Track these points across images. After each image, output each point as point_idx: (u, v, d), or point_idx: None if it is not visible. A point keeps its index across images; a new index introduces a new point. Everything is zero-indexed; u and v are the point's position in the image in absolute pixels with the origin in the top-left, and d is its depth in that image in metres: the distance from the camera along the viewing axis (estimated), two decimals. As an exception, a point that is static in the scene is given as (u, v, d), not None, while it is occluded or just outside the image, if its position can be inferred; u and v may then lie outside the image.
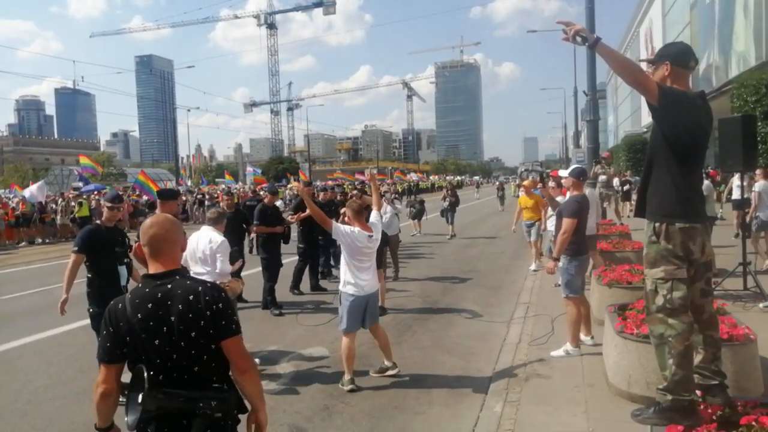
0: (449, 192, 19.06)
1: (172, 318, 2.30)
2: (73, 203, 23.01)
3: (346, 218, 5.74)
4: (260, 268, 9.17)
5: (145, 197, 27.10)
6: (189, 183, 32.17)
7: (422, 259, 14.29)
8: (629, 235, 11.10)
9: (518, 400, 5.06)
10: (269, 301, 8.86)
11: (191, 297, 2.32)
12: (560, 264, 6.09)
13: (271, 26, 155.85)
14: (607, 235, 10.65)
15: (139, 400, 2.19)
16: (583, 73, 17.72)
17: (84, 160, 30.36)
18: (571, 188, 6.46)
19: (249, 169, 52.24)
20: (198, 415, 2.25)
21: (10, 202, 23.48)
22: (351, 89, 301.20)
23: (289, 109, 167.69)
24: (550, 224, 9.04)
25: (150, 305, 2.32)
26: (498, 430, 4.49)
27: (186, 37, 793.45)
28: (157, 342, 2.29)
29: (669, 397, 3.22)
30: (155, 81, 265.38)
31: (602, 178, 14.71)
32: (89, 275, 5.26)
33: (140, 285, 2.42)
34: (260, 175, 41.37)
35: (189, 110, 79.13)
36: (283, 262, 9.23)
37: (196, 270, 5.58)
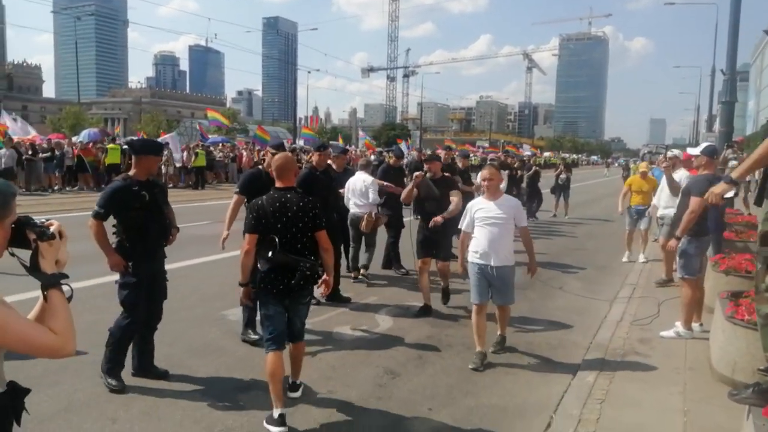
0: (565, 168, 18.31)
1: (289, 213, 4.00)
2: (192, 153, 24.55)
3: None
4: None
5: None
6: (301, 142, 33.53)
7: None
8: (755, 226, 10.33)
9: (613, 373, 5.03)
10: (393, 257, 8.98)
11: (301, 203, 4.07)
12: (680, 244, 5.89)
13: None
14: (731, 224, 10.00)
15: (270, 255, 3.91)
16: (724, 51, 16.40)
17: (211, 114, 32.36)
18: (702, 167, 6.21)
19: (360, 133, 53.39)
20: (299, 269, 3.95)
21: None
22: (469, 58, 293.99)
23: (405, 75, 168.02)
24: (662, 206, 8.60)
25: (278, 203, 4.01)
26: (589, 398, 4.51)
27: (311, 1, 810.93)
28: (279, 225, 3.97)
29: None
30: (280, 42, 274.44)
31: (732, 163, 13.66)
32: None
33: (272, 192, 4.10)
34: (371, 141, 42.13)
35: (309, 72, 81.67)
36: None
37: (356, 201, 7.85)
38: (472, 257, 5.32)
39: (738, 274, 6.46)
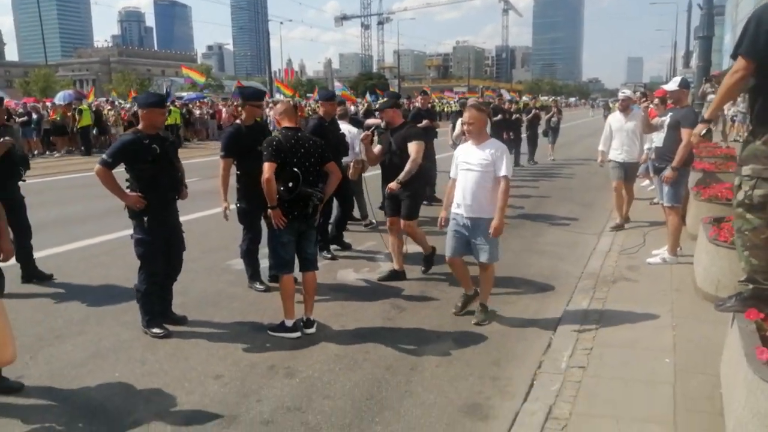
0: (557, 110, 18.34)
1: (302, 150, 4.55)
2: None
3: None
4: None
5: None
6: (279, 96, 33.15)
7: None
8: (734, 158, 10.68)
9: (605, 298, 5.38)
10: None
11: (311, 140, 4.69)
12: (666, 173, 6.18)
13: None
14: (710, 157, 10.33)
15: (290, 186, 4.44)
16: (701, -16, 16.40)
17: (186, 71, 31.81)
18: (678, 102, 6.49)
19: (337, 84, 52.55)
20: (312, 198, 4.53)
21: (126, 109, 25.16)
22: (444, 2, 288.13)
23: (380, 23, 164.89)
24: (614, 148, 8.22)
25: (293, 140, 4.55)
26: (584, 321, 4.85)
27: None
28: (295, 159, 4.50)
29: (750, 286, 3.44)
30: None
31: (711, 97, 13.95)
32: (238, 172, 5.55)
33: (284, 131, 4.60)
34: (348, 92, 41.56)
35: (282, 23, 79.66)
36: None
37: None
38: (453, 207, 4.92)
39: (719, 202, 6.79)
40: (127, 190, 4.64)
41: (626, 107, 8.21)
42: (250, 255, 5.84)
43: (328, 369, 4.17)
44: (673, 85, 6.65)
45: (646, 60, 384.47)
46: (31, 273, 6.13)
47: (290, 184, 4.46)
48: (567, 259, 6.93)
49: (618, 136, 8.12)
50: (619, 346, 4.31)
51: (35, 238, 6.24)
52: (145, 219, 4.65)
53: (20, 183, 6.08)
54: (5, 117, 6.59)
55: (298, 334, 4.67)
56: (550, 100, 33.24)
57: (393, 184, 5.74)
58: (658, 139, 6.54)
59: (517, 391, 3.81)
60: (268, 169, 4.43)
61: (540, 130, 17.37)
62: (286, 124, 4.68)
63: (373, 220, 8.32)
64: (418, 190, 6.10)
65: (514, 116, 15.32)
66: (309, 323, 4.78)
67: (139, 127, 4.73)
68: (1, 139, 5.65)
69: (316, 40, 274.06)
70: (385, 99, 6.37)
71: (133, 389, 3.92)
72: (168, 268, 4.91)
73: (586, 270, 6.37)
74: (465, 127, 4.83)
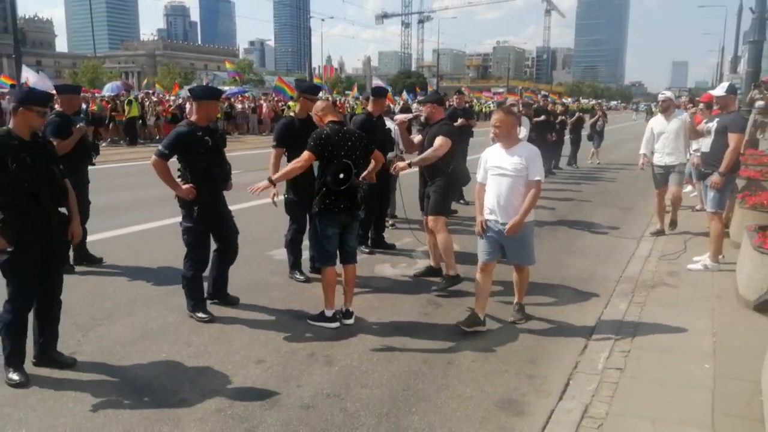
0: (602, 114, 18.01)
1: (349, 143, 4.68)
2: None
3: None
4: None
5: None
6: (321, 94, 33.48)
7: (549, 177, 14.30)
8: (783, 166, 10.42)
9: (643, 302, 5.35)
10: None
11: (356, 134, 4.82)
12: (713, 178, 6.12)
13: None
14: (756, 165, 10.09)
15: (342, 177, 4.54)
16: (753, -12, 15.99)
17: (229, 66, 32.34)
18: (725, 108, 6.41)
19: (378, 81, 52.69)
20: (359, 189, 4.72)
21: (170, 101, 25.79)
22: (485, 2, 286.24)
23: (420, 21, 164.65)
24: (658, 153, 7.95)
25: (340, 134, 4.67)
26: (622, 324, 4.84)
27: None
28: (343, 153, 4.61)
29: None
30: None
31: (759, 104, 13.53)
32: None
33: (330, 125, 4.71)
34: (388, 90, 41.60)
35: (323, 19, 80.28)
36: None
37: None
38: (485, 213, 4.80)
39: (764, 210, 6.67)
40: (179, 180, 4.82)
41: (667, 108, 7.95)
42: (293, 245, 5.99)
43: (366, 359, 4.26)
44: (720, 91, 6.57)
45: (691, 64, 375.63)
46: (83, 255, 6.40)
47: (341, 176, 4.54)
48: (606, 263, 6.89)
49: (660, 139, 7.90)
50: (657, 350, 4.30)
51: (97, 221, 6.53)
52: (195, 208, 4.82)
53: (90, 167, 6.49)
54: (80, 106, 6.99)
55: (337, 324, 4.79)
56: (592, 103, 32.69)
57: (402, 164, 5.77)
58: (704, 144, 6.47)
59: (553, 389, 3.85)
60: (306, 158, 4.63)
61: (584, 133, 17.17)
62: (330, 118, 4.79)
63: (393, 221, 8.40)
64: (446, 189, 5.90)
65: (559, 118, 15.21)
66: (348, 314, 4.89)
67: (193, 118, 4.91)
68: (78, 125, 6.00)
69: (356, 38, 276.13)
70: (429, 94, 6.57)
71: (179, 369, 4.08)
72: (226, 251, 5.13)
73: (625, 274, 6.32)
74: (492, 130, 4.68)
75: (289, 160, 5.66)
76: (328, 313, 4.82)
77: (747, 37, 19.46)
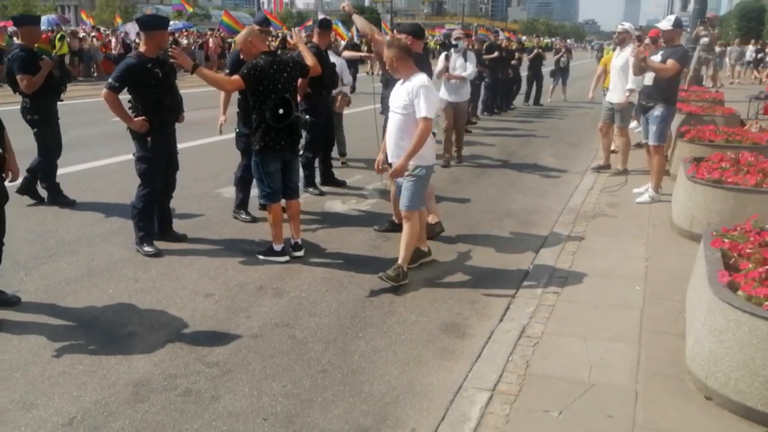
0: (566, 51, 17.90)
1: (285, 74, 4.54)
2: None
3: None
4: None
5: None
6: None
7: (501, 115, 14.42)
8: (722, 102, 10.76)
9: (583, 231, 5.56)
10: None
11: (291, 63, 4.66)
12: (656, 113, 6.26)
13: None
14: (698, 101, 10.39)
15: (282, 113, 4.43)
16: None
17: (174, -2, 30.69)
18: (670, 41, 6.47)
19: (320, 15, 50.87)
20: (299, 122, 4.67)
21: (111, 36, 24.47)
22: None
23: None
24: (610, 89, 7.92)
25: (275, 65, 4.48)
26: (562, 251, 5.04)
27: None
28: (280, 86, 4.48)
29: None
30: None
31: (704, 40, 13.91)
32: (239, 97, 5.40)
33: (263, 56, 4.50)
34: (340, 27, 40.23)
35: (272, -52, 76.29)
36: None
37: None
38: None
39: (702, 143, 6.91)
40: (131, 113, 4.73)
41: (622, 41, 7.68)
42: (243, 183, 5.87)
43: (314, 290, 4.34)
44: (666, 24, 6.54)
45: (644, 2, 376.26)
46: (54, 190, 6.26)
47: (281, 111, 4.46)
48: (550, 196, 7.08)
49: (612, 74, 7.79)
50: (593, 275, 4.51)
51: (26, 162, 6.28)
52: (149, 139, 4.77)
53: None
54: (42, 39, 6.68)
55: (286, 257, 4.83)
56: (556, 41, 32.56)
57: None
58: (647, 78, 6.53)
59: (494, 313, 4.02)
60: (235, 81, 4.51)
61: (545, 70, 17.07)
62: (262, 49, 4.65)
63: (344, 159, 8.31)
64: None
65: (516, 55, 15.14)
66: (297, 247, 4.93)
67: (142, 49, 4.76)
68: (44, 59, 5.78)
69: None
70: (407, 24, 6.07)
71: (127, 305, 4.07)
72: (165, 186, 5.07)
73: (568, 206, 6.53)
74: (387, 66, 4.32)
75: (241, 94, 5.39)
76: (277, 247, 4.85)
77: (696, -26, 19.64)
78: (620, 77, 7.57)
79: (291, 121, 4.54)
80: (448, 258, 5.04)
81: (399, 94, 4.27)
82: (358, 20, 5.44)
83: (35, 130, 5.99)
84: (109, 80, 4.65)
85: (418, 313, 4.00)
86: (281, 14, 63.66)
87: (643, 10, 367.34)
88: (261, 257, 4.88)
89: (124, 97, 4.71)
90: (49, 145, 6.08)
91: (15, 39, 19.79)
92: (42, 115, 5.93)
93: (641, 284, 4.29)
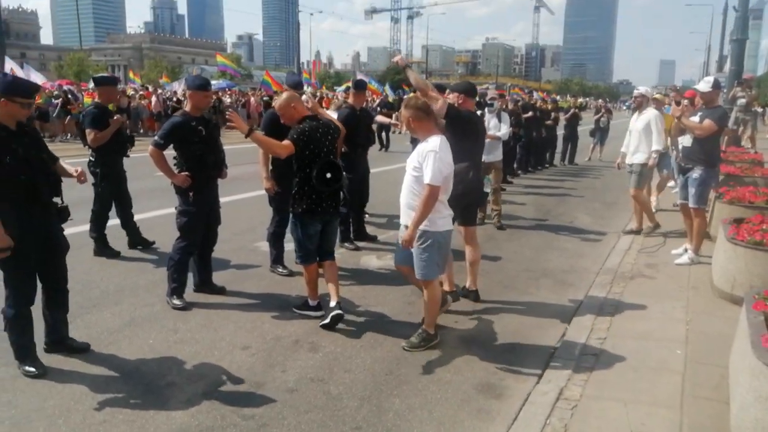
0: (606, 110, 17.98)
1: (329, 137, 4.60)
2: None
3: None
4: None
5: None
6: (308, 90, 33.18)
7: (536, 173, 14.48)
8: (761, 163, 10.63)
9: (621, 292, 5.49)
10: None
11: (332, 126, 4.70)
12: (695, 175, 6.23)
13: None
14: (738, 162, 10.29)
15: (329, 177, 4.46)
16: (737, -13, 16.22)
17: (220, 59, 32.15)
18: (710, 102, 6.42)
19: (360, 76, 52.44)
20: (340, 186, 4.68)
21: (158, 95, 25.62)
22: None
23: (410, 17, 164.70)
24: (630, 152, 7.75)
25: (321, 129, 4.54)
26: (599, 313, 4.97)
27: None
28: (325, 149, 4.54)
29: None
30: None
31: (741, 101, 13.84)
32: (272, 158, 5.62)
33: (309, 121, 4.52)
34: (374, 85, 41.37)
35: (312, 14, 79.94)
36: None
37: None
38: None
39: (741, 204, 6.83)
40: (175, 169, 4.95)
41: (639, 105, 7.78)
42: (276, 239, 6.01)
43: (350, 345, 4.36)
44: (705, 86, 6.44)
45: (678, 63, 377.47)
46: (136, 240, 6.73)
47: (328, 175, 4.46)
48: (586, 256, 7.03)
49: (631, 137, 7.74)
50: (632, 337, 4.43)
51: (75, 213, 6.55)
52: (191, 194, 4.96)
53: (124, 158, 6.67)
54: (118, 98, 7.18)
55: (321, 312, 4.83)
56: (590, 100, 32.77)
57: None
58: (686, 139, 6.51)
59: (531, 374, 3.97)
60: (287, 146, 4.42)
61: (581, 129, 17.12)
62: (304, 113, 4.61)
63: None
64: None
65: (552, 115, 15.31)
66: (338, 306, 4.68)
67: (186, 109, 5.04)
68: (115, 117, 6.23)
69: (345, 33, 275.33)
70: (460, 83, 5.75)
71: (166, 355, 4.16)
72: (206, 240, 5.22)
73: (605, 266, 6.46)
74: (405, 126, 4.32)
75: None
76: (313, 303, 4.89)
77: (732, 36, 19.74)
78: (640, 139, 7.57)
79: (338, 182, 4.58)
80: (483, 316, 5.02)
81: (413, 154, 4.17)
82: (412, 75, 5.23)
83: (94, 182, 6.37)
84: (155, 137, 4.92)
85: (453, 371, 3.98)
86: (320, 74, 65.88)
87: (678, 71, 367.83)
88: (297, 311, 4.94)
89: (170, 153, 4.93)
90: (105, 199, 6.43)
91: (53, 99, 20.98)
92: (104, 169, 6.30)
93: (682, 348, 4.20)
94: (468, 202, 5.08)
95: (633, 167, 7.66)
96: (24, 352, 3.86)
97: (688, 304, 5.10)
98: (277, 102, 4.73)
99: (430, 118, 4.19)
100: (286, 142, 4.47)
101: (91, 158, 6.37)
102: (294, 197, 4.61)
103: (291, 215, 4.74)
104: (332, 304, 4.68)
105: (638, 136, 7.59)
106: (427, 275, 4.24)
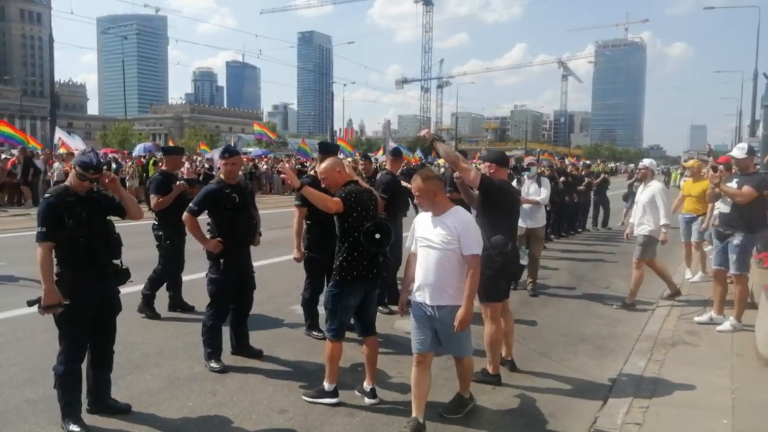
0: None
1: (372, 202, 4.47)
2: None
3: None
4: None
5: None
6: (348, 159, 34.23)
7: (569, 237, 14.41)
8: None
9: (662, 359, 5.37)
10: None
11: (371, 191, 4.59)
12: (736, 241, 6.17)
13: (428, 2, 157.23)
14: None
15: (377, 237, 4.21)
16: (766, 54, 16.39)
17: (257, 128, 33.42)
18: (745, 169, 6.41)
19: (392, 144, 53.60)
20: (382, 254, 4.44)
21: (191, 162, 26.58)
22: (503, 67, 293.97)
23: (439, 86, 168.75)
24: (636, 223, 7.71)
25: (365, 194, 4.44)
26: (641, 380, 4.87)
27: (345, 14, 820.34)
28: (371, 214, 4.38)
29: None
30: (315, 56, 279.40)
31: (777, 166, 13.69)
32: (308, 223, 5.78)
33: (353, 186, 4.41)
34: (405, 152, 42.15)
35: (345, 85, 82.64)
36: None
37: None
38: (414, 290, 4.12)
39: (782, 270, 6.71)
40: (208, 234, 5.10)
41: (644, 177, 7.79)
42: (310, 305, 6.08)
43: (387, 410, 4.35)
44: (740, 153, 6.42)
45: (710, 128, 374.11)
46: (177, 303, 6.94)
47: (377, 236, 4.21)
48: (625, 322, 6.92)
49: (636, 208, 7.77)
50: (677, 406, 4.33)
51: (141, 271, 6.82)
52: (221, 261, 5.08)
53: None
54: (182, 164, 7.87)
55: (337, 399, 4.43)
56: (628, 166, 32.77)
57: None
58: (723, 206, 6.49)
59: (572, 443, 3.89)
60: (336, 203, 4.26)
61: (610, 195, 17.07)
62: (348, 178, 4.49)
63: None
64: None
65: (586, 180, 15.38)
66: (373, 393, 4.50)
67: (222, 176, 5.25)
68: (178, 183, 6.68)
69: (376, 102, 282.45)
70: (490, 152, 5.69)
71: (206, 417, 4.20)
72: (241, 304, 5.30)
73: (644, 333, 6.35)
74: (416, 200, 4.11)
75: (309, 219, 5.78)
76: (329, 387, 4.43)
77: (764, 102, 19.77)
78: (644, 212, 7.51)
79: (389, 245, 4.33)
80: (522, 383, 4.95)
81: (432, 228, 3.97)
82: (441, 147, 5.05)
83: (158, 244, 6.70)
84: (190, 204, 5.12)
85: (492, 439, 3.93)
86: (352, 141, 67.48)
87: (709, 135, 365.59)
88: (308, 400, 4.47)
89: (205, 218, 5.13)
90: (168, 260, 6.71)
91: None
92: (166, 231, 6.55)
93: (728, 417, 4.08)
94: (508, 275, 4.98)
95: (638, 238, 7.63)
96: (69, 410, 3.94)
97: (733, 372, 4.97)
98: (322, 165, 4.58)
99: (443, 191, 4.06)
100: (335, 198, 4.29)
101: (155, 222, 6.71)
102: (342, 265, 4.32)
103: (332, 285, 4.44)
104: (368, 387, 4.50)
105: (642, 209, 7.55)
106: (467, 350, 4.17)
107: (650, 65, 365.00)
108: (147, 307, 6.66)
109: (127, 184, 19.74)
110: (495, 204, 4.76)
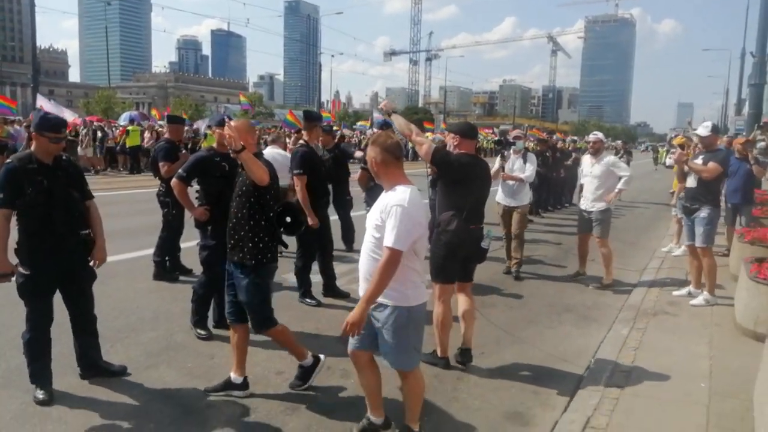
0: (625, 152, 18.20)
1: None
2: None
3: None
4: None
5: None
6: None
7: (556, 212, 14.62)
8: (783, 205, 10.68)
9: (645, 328, 5.58)
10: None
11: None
12: (703, 214, 6.34)
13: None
14: (758, 204, 10.36)
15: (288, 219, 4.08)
16: (754, 33, 16.55)
17: (243, 98, 33.11)
18: (709, 146, 6.54)
19: (377, 116, 53.27)
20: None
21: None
22: (493, 41, 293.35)
23: (428, 59, 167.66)
24: (589, 200, 7.53)
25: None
26: (623, 347, 5.07)
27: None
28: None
29: None
30: (302, 25, 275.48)
31: (761, 144, 13.89)
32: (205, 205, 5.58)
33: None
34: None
35: (333, 56, 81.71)
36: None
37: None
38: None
39: (762, 245, 6.92)
40: (196, 202, 5.18)
41: (597, 150, 7.58)
42: (303, 273, 6.23)
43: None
44: (704, 131, 6.54)
45: (696, 106, 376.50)
46: (175, 266, 7.13)
47: (288, 219, 4.15)
48: (608, 293, 7.12)
49: (586, 182, 7.62)
50: (657, 371, 4.52)
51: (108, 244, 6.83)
52: (209, 228, 5.12)
53: None
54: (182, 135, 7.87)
55: (248, 391, 4.09)
56: (615, 142, 32.94)
57: None
58: (689, 180, 6.63)
59: (557, 403, 4.08)
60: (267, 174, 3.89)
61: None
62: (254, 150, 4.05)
63: None
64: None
65: (573, 155, 15.51)
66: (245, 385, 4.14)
67: (213, 145, 5.28)
68: (183, 152, 6.84)
69: (364, 74, 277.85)
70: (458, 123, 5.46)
71: (205, 378, 4.32)
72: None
73: (627, 303, 6.56)
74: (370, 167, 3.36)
75: (308, 187, 5.92)
76: (237, 378, 4.07)
77: (750, 80, 19.98)
78: (600, 185, 7.38)
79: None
80: (509, 349, 5.13)
81: (374, 209, 3.26)
82: (397, 120, 4.90)
83: (164, 210, 6.88)
84: (179, 170, 5.14)
85: (481, 400, 4.10)
86: (339, 113, 67.13)
87: (696, 112, 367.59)
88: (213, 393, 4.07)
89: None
90: (174, 225, 6.91)
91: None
92: (173, 198, 6.50)
93: (706, 381, 4.28)
94: (464, 257, 4.57)
95: (593, 215, 7.43)
96: (37, 377, 3.94)
97: (712, 340, 5.19)
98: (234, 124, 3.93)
99: (399, 163, 3.29)
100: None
101: (161, 188, 6.84)
102: (258, 246, 3.91)
103: (256, 272, 3.95)
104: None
105: (597, 183, 7.38)
106: (405, 364, 3.31)
107: (640, 42, 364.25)
108: (161, 272, 6.91)
109: (79, 153, 19.43)
110: (450, 180, 4.50)
